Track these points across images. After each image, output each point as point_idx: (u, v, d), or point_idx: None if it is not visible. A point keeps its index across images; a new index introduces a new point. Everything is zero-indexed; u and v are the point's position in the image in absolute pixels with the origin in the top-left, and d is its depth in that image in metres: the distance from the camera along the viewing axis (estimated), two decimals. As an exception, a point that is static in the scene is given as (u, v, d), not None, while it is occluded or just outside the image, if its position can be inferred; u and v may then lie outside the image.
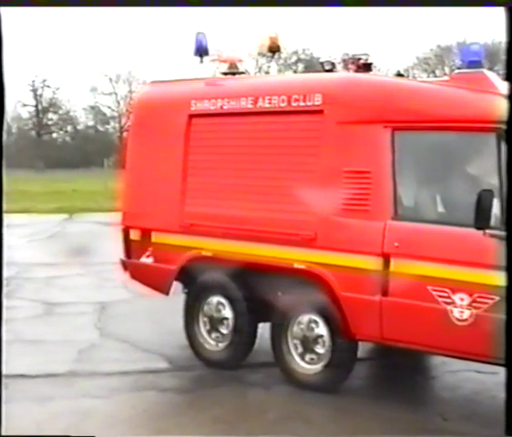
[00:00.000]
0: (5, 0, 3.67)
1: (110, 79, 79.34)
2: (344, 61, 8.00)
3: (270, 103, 7.53)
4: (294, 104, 7.33)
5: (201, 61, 8.53)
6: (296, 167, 7.30)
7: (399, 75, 9.10)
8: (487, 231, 5.94)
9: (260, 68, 67.24)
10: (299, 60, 71.48)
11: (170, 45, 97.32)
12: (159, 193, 8.35)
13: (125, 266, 8.87)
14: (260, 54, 70.33)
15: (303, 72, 61.59)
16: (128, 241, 8.72)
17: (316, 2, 5.82)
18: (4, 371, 7.89)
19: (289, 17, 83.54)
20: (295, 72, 67.96)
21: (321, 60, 8.13)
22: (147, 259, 8.44)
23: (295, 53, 72.13)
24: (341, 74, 7.71)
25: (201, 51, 8.46)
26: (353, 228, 6.84)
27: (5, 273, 12.96)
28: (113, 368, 8.13)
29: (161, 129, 8.42)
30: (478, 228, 5.97)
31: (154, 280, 8.50)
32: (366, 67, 7.80)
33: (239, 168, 7.75)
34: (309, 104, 7.22)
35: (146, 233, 8.48)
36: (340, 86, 7.22)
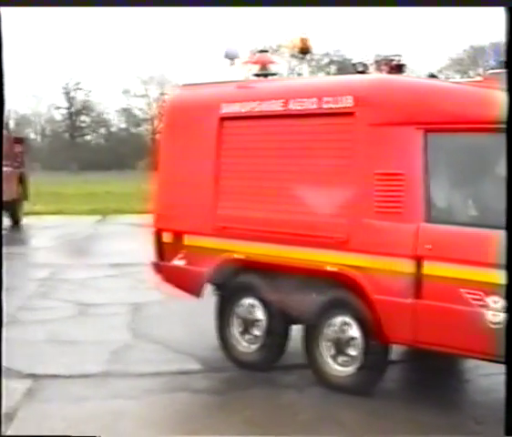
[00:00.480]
0: (5, 0, 3.70)
1: (143, 81, 79.70)
2: (377, 62, 7.96)
3: (300, 105, 7.51)
4: (325, 106, 7.30)
5: (232, 63, 8.56)
6: (328, 169, 7.27)
7: (432, 76, 9.03)
8: None
9: (292, 70, 67.15)
10: (331, 62, 71.19)
11: (203, 48, 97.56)
12: (192, 196, 8.37)
13: (157, 268, 8.89)
14: (292, 56, 70.36)
15: (336, 74, 61.41)
16: (160, 244, 8.74)
17: (319, 2, 5.77)
18: (38, 372, 8.03)
19: (321, 18, 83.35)
20: (327, 74, 67.71)
21: (353, 62, 8.11)
22: (179, 262, 8.47)
23: (327, 54, 71.84)
24: (372, 75, 7.68)
25: (232, 54, 8.52)
26: (385, 231, 6.82)
27: (40, 274, 13.22)
28: (146, 369, 8.16)
29: (193, 132, 8.46)
30: None
31: (186, 283, 8.52)
32: (399, 69, 7.76)
33: (270, 171, 7.75)
34: (340, 106, 7.18)
35: (178, 236, 8.50)
36: (371, 88, 7.18)
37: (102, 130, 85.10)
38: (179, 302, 9.78)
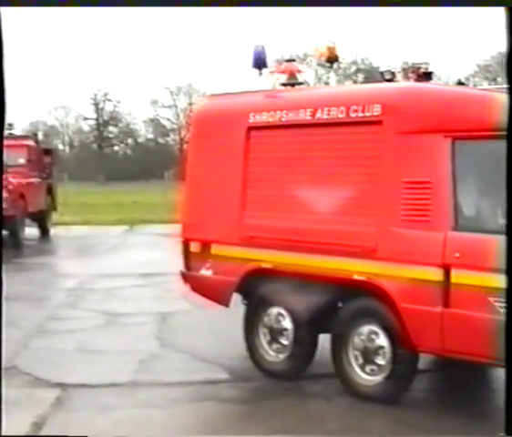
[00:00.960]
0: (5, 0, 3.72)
1: (171, 92, 79.99)
2: (404, 70, 7.93)
3: (328, 114, 7.48)
4: (353, 115, 7.27)
5: (260, 73, 8.56)
6: (356, 178, 7.26)
7: (460, 83, 8.99)
8: None
9: (319, 79, 67.15)
10: (358, 70, 71.15)
11: (231, 57, 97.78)
12: (219, 205, 8.38)
13: (185, 278, 8.91)
14: (319, 64, 70.38)
15: (363, 82, 61.31)
16: (187, 253, 8.76)
17: (318, 2, 5.74)
18: (66, 381, 8.07)
19: (348, 26, 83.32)
20: (355, 82, 67.63)
21: (380, 70, 8.09)
22: (206, 272, 8.48)
23: (354, 63, 71.83)
24: (400, 84, 7.65)
25: (260, 63, 8.50)
26: (413, 239, 6.79)
27: (68, 284, 13.32)
28: (173, 378, 8.17)
29: (220, 142, 8.45)
30: None
31: (214, 292, 8.53)
32: (426, 76, 7.73)
33: (298, 180, 7.73)
34: (368, 114, 7.15)
35: (206, 245, 8.51)
36: (399, 96, 7.16)
37: (129, 141, 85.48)
38: (207, 312, 9.80)
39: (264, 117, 8.06)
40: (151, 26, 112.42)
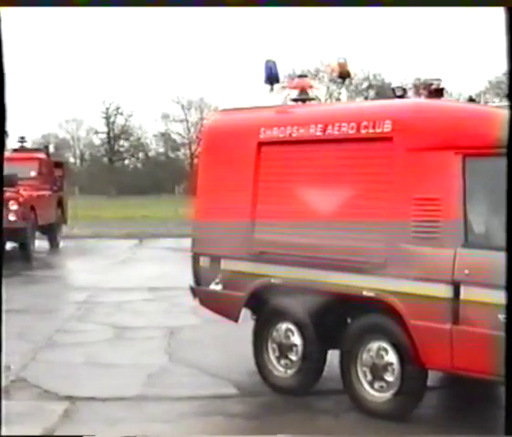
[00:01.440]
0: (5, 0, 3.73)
1: (182, 106, 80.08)
2: (416, 86, 7.95)
3: (339, 130, 7.50)
4: (363, 131, 7.29)
5: (272, 89, 8.57)
6: (365, 194, 7.26)
7: (471, 100, 8.98)
8: None
9: (330, 95, 67.25)
10: (370, 86, 71.15)
11: (243, 72, 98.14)
12: (229, 220, 8.34)
13: (194, 292, 8.93)
14: (330, 80, 70.51)
15: (374, 98, 61.34)
16: (197, 268, 8.77)
17: (315, 2, 5.74)
18: (75, 394, 8.07)
19: (360, 41, 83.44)
20: (366, 98, 67.64)
21: (392, 86, 8.09)
22: (216, 286, 8.45)
23: (366, 79, 71.83)
24: (410, 100, 7.65)
25: (272, 79, 8.50)
26: (422, 256, 6.78)
27: (78, 297, 13.35)
28: (181, 392, 8.16)
29: (231, 157, 8.47)
30: None
31: (223, 307, 8.54)
32: (438, 93, 7.72)
33: (307, 196, 7.72)
34: (378, 131, 7.17)
35: (215, 260, 8.51)
36: (409, 113, 7.17)
37: (140, 155, 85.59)
38: (215, 326, 9.78)
39: (275, 133, 8.08)
40: (163, 40, 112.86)
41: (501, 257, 6.16)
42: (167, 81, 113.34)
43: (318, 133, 7.68)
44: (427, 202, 6.83)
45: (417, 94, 7.89)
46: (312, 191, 7.71)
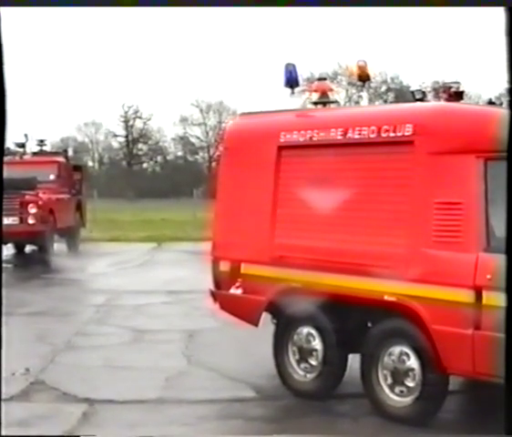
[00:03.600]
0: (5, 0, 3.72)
1: (201, 110, 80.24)
2: (435, 90, 7.92)
3: (359, 134, 7.47)
4: (384, 135, 7.26)
5: (292, 92, 8.55)
6: (387, 198, 7.23)
7: (491, 103, 8.92)
8: None
9: (349, 98, 67.21)
10: (389, 89, 71.06)
11: (262, 76, 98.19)
12: (249, 224, 8.37)
13: (214, 296, 8.92)
14: (349, 83, 70.40)
15: (394, 101, 61.20)
16: (217, 272, 8.76)
17: (315, 2, 5.73)
18: (94, 396, 8.08)
19: (378, 44, 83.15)
20: (385, 101, 67.56)
21: (411, 89, 8.05)
22: (236, 291, 8.44)
23: (385, 82, 71.74)
24: (431, 103, 7.61)
25: (292, 82, 8.48)
26: (444, 261, 6.75)
27: (96, 300, 13.41)
28: (200, 396, 8.14)
29: (251, 161, 8.47)
30: None
31: (243, 312, 8.53)
32: (458, 96, 7.67)
33: (328, 200, 7.65)
34: (399, 134, 7.13)
35: (235, 264, 8.50)
36: (431, 117, 7.14)
37: (159, 158, 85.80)
38: (234, 329, 9.76)
39: (295, 137, 8.06)
40: (182, 43, 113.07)
41: None
42: (185, 84, 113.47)
43: (339, 137, 7.65)
44: (449, 206, 6.80)
45: (437, 97, 7.84)
46: (332, 195, 7.64)
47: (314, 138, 7.88)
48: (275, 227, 8.13)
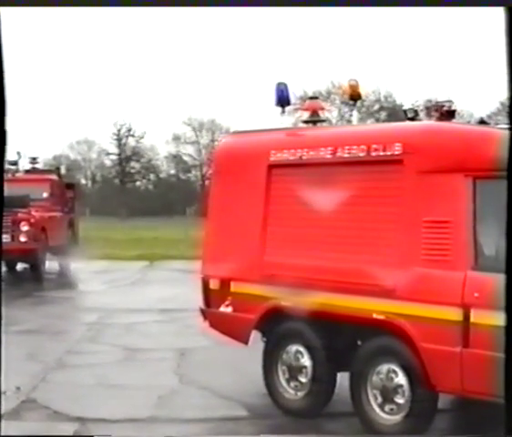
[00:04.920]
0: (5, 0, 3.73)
1: (193, 128, 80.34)
2: (427, 108, 7.95)
3: (349, 153, 7.50)
4: (373, 154, 7.30)
5: (283, 111, 8.60)
6: (375, 217, 7.27)
7: (482, 122, 8.96)
8: None
9: (342, 117, 67.29)
10: (381, 108, 71.20)
11: (254, 94, 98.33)
12: (239, 243, 8.40)
13: (204, 314, 8.94)
14: (342, 102, 70.44)
15: (386, 120, 61.34)
16: (207, 290, 8.77)
17: (315, 2, 5.78)
18: (85, 415, 8.04)
19: (371, 63, 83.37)
20: (377, 120, 67.66)
21: (404, 108, 8.09)
22: (226, 309, 8.47)
23: (378, 101, 71.88)
24: (420, 123, 7.67)
25: (283, 101, 8.54)
26: (432, 279, 6.79)
27: (88, 319, 13.36)
28: (192, 414, 8.14)
29: (242, 179, 8.50)
30: None
31: (233, 330, 8.55)
32: (450, 115, 7.71)
33: (318, 219, 7.70)
34: (388, 153, 7.18)
35: (225, 282, 8.50)
36: (420, 136, 7.18)
37: (151, 176, 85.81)
38: (226, 348, 9.75)
39: (285, 155, 8.11)
40: (174, 62, 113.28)
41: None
42: (178, 102, 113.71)
43: (328, 155, 7.69)
44: (437, 225, 6.84)
45: (429, 116, 7.87)
46: (321, 214, 7.68)
47: (304, 157, 7.91)
48: (265, 245, 8.16)
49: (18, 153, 23.74)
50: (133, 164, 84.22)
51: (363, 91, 8.58)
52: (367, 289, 7.11)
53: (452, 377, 6.67)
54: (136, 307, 15.92)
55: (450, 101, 7.83)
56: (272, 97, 8.61)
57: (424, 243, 6.88)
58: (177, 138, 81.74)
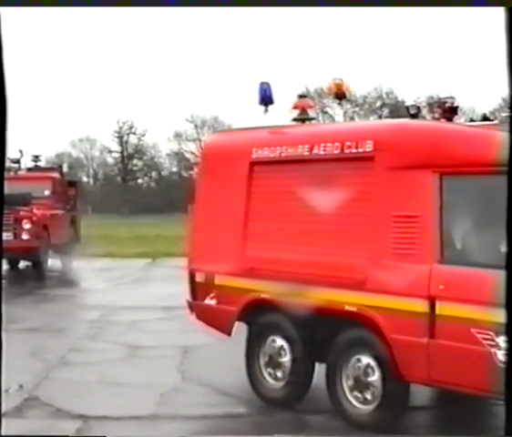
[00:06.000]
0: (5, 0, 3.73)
1: (195, 125, 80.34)
2: (430, 105, 7.99)
3: (324, 150, 7.76)
4: (347, 151, 7.53)
5: (266, 110, 8.86)
6: (348, 211, 7.50)
7: (485, 118, 8.96)
8: None
9: (345, 113, 67.39)
10: (384, 105, 71.23)
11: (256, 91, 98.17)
12: (223, 237, 8.69)
13: (191, 307, 9.30)
14: (347, 100, 70.29)
15: (388, 116, 61.38)
16: (193, 283, 9.15)
17: (315, 2, 5.84)
18: (88, 413, 8.05)
19: (374, 59, 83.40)
20: (380, 117, 67.75)
21: (406, 104, 8.14)
22: (210, 301, 8.80)
23: (380, 97, 71.91)
24: (391, 120, 7.89)
25: (266, 100, 8.84)
26: (401, 272, 7.00)
27: (90, 316, 13.39)
28: (194, 412, 8.15)
29: (226, 176, 8.82)
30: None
31: (217, 321, 8.87)
32: (452, 111, 7.76)
33: (295, 214, 7.97)
34: (360, 150, 7.40)
35: (210, 276, 8.85)
36: (390, 134, 7.42)
37: (153, 174, 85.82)
38: (228, 345, 9.75)
39: (266, 153, 8.38)
40: (177, 60, 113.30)
41: (476, 273, 6.50)
42: (180, 100, 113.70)
43: (305, 153, 7.95)
44: (406, 220, 7.05)
45: (431, 112, 7.92)
46: (299, 209, 7.93)
47: (283, 154, 8.18)
48: (246, 240, 8.45)
49: (21, 151, 23.77)
50: (135, 161, 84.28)
51: (347, 90, 8.76)
52: (340, 282, 7.34)
53: (420, 367, 6.85)
54: (138, 304, 15.91)
55: (452, 97, 7.86)
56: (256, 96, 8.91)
57: (393, 237, 7.09)
58: (178, 136, 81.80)
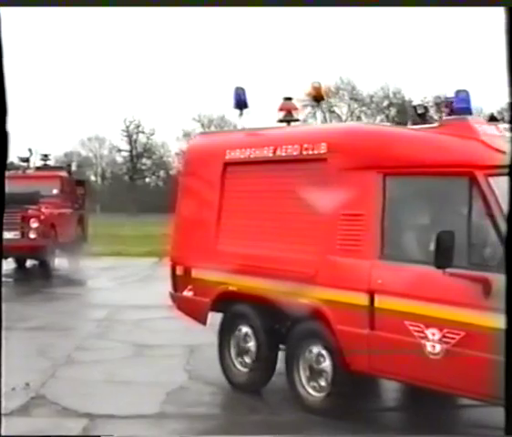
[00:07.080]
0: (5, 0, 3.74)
1: (202, 125, 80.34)
2: (437, 104, 8.03)
3: (285, 152, 8.31)
4: (304, 152, 8.06)
5: (241, 114, 9.35)
6: (304, 210, 7.89)
7: (492, 117, 8.94)
8: (447, 270, 6.37)
9: (352, 113, 67.34)
10: (391, 104, 71.13)
11: (264, 90, 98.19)
12: (199, 234, 9.31)
13: (172, 298, 9.98)
14: (352, 98, 70.34)
15: (396, 116, 61.33)
16: (174, 276, 9.82)
17: (322, 2, 5.95)
18: (94, 411, 8.06)
19: (380, 59, 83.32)
20: (387, 116, 67.71)
21: (413, 104, 8.19)
22: (188, 293, 9.48)
23: (387, 97, 71.80)
24: (344, 124, 8.25)
25: (241, 104, 9.33)
26: (346, 267, 7.47)
27: (97, 315, 13.41)
28: (201, 410, 8.18)
29: (204, 176, 9.45)
30: (438, 268, 6.42)
31: (194, 312, 9.54)
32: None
33: (260, 211, 8.59)
34: (315, 152, 7.91)
35: (187, 269, 9.51)
36: (342, 136, 7.93)
37: (161, 173, 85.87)
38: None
39: (237, 154, 8.98)
40: (185, 59, 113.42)
41: (411, 268, 6.93)
42: (187, 99, 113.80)
43: (270, 154, 8.50)
44: (352, 218, 7.52)
45: (438, 111, 7.97)
46: (263, 207, 8.56)
47: (252, 156, 8.77)
48: (219, 236, 9.04)
49: (30, 150, 23.84)
50: (144, 160, 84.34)
51: (325, 93, 9.35)
52: (295, 276, 7.78)
53: (362, 357, 7.28)
54: (145, 303, 15.90)
55: (459, 97, 7.85)
56: (231, 101, 9.37)
57: (340, 234, 7.58)
58: (187, 135, 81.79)
